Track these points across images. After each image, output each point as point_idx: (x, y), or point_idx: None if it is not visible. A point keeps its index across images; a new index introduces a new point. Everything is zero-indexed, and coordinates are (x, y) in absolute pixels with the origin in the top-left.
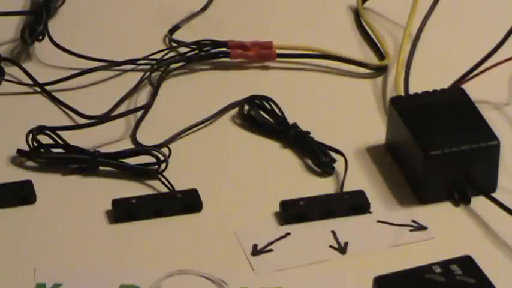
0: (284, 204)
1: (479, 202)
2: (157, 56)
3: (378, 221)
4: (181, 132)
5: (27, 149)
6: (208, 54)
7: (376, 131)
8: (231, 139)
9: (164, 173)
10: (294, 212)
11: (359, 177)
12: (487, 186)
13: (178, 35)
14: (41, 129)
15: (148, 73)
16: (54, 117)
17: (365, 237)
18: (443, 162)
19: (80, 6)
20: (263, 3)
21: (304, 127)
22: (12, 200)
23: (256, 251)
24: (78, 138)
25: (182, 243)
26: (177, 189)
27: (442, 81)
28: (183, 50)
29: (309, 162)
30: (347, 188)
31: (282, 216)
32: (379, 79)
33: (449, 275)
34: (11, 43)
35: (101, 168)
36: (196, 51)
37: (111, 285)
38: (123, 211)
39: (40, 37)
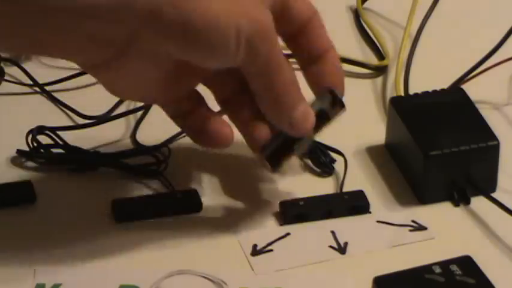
0: (284, 204)
1: (479, 202)
2: None
3: (378, 221)
4: (181, 132)
5: (27, 149)
6: None
7: (376, 131)
8: None
9: (164, 173)
10: (293, 212)
11: (359, 177)
12: (487, 187)
13: None
14: (40, 130)
15: None
16: (54, 117)
17: (365, 238)
18: (442, 162)
19: None
20: None
21: None
22: (12, 200)
23: (255, 251)
24: (78, 139)
25: (182, 243)
26: (176, 189)
27: (442, 81)
28: None
29: (309, 162)
30: (347, 188)
31: (282, 216)
32: (379, 79)
33: (449, 275)
34: None
35: (100, 168)
36: None
37: (111, 285)
38: (122, 211)
39: None
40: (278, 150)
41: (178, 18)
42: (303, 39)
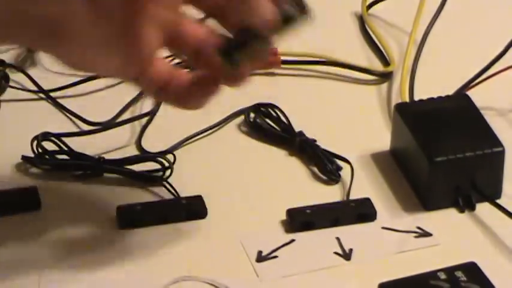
0: (291, 212)
1: (484, 208)
2: None
3: (383, 228)
4: (187, 139)
5: (32, 155)
6: None
7: (381, 138)
8: (236, 146)
9: (169, 180)
10: (301, 220)
11: (364, 184)
12: (492, 193)
13: None
14: (46, 136)
15: None
16: (59, 123)
17: (370, 244)
18: (447, 169)
19: None
20: None
21: (309, 134)
22: (17, 207)
23: (261, 258)
24: (83, 145)
25: (187, 249)
26: (181, 195)
27: (447, 87)
28: None
29: (315, 170)
30: (352, 195)
31: (289, 224)
32: (384, 85)
33: (454, 281)
34: (16, 49)
35: (105, 174)
36: None
37: None
38: (127, 218)
39: None
40: (233, 43)
41: None
42: None
